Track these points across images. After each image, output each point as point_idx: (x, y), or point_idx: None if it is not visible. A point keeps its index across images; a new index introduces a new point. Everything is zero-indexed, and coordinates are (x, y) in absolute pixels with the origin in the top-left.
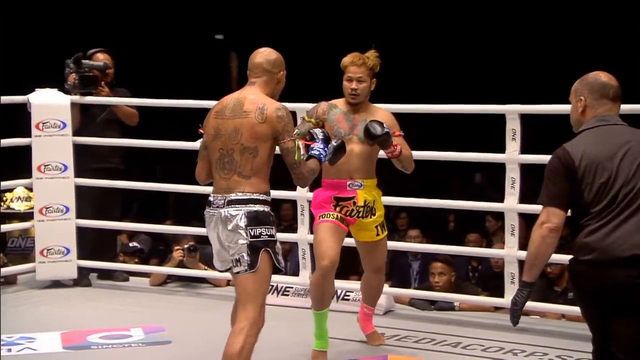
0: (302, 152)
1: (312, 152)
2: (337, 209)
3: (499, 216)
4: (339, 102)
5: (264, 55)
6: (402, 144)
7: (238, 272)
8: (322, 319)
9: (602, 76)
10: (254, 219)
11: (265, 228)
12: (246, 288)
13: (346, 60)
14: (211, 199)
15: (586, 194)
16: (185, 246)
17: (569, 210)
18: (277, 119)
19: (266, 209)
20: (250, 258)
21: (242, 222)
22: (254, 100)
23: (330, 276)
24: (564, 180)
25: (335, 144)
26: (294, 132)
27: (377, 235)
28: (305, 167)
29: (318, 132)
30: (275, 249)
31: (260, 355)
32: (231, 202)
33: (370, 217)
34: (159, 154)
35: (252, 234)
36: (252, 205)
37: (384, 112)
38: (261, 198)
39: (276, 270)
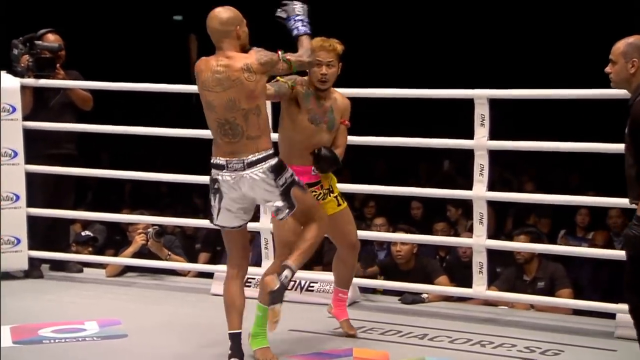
0: (290, 57)
1: (296, 32)
2: None
3: (460, 204)
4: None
5: (217, 18)
6: (342, 132)
7: (283, 218)
8: (267, 314)
9: None
10: (276, 171)
11: (285, 174)
12: (298, 211)
13: (315, 45)
14: (221, 162)
15: None
16: (150, 230)
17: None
18: (262, 66)
19: (277, 158)
20: (286, 203)
21: (270, 179)
22: (234, 66)
23: None
24: None
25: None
26: (280, 55)
27: (339, 205)
28: (303, 56)
29: (290, 6)
30: (299, 183)
31: (222, 345)
32: (251, 164)
33: (330, 196)
34: (105, 140)
35: (280, 183)
36: (270, 160)
37: (342, 98)
38: (272, 152)
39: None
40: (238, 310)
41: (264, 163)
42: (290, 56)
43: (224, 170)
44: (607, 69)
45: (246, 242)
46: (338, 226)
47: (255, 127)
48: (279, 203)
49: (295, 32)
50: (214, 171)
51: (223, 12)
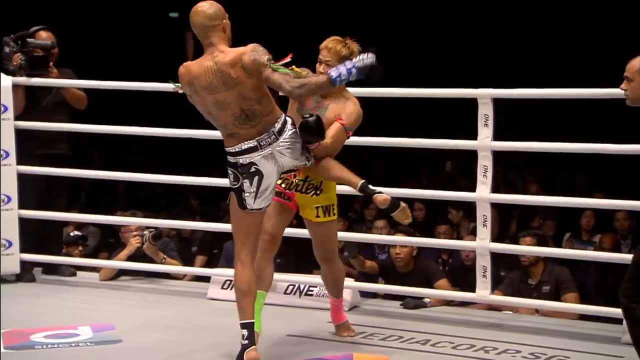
0: (284, 67)
1: (330, 73)
2: (279, 181)
3: (461, 206)
4: None
5: (203, 13)
6: (333, 128)
7: (311, 162)
8: (257, 299)
9: None
10: (294, 124)
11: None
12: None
13: (323, 43)
14: (252, 144)
15: None
16: (146, 232)
17: None
18: (252, 62)
19: (284, 115)
20: (305, 149)
21: (297, 136)
22: (230, 62)
23: (270, 253)
24: None
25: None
26: (266, 59)
27: (317, 217)
28: (293, 82)
29: (362, 55)
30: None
31: (219, 350)
32: (280, 132)
33: (312, 195)
34: (99, 140)
35: (298, 132)
36: (287, 120)
37: (353, 105)
38: (283, 114)
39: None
40: (253, 298)
41: (286, 125)
42: (293, 71)
43: (258, 151)
44: (622, 87)
45: (260, 230)
46: (313, 235)
47: (268, 104)
48: (304, 151)
49: (330, 72)
50: (246, 156)
51: (208, 7)
